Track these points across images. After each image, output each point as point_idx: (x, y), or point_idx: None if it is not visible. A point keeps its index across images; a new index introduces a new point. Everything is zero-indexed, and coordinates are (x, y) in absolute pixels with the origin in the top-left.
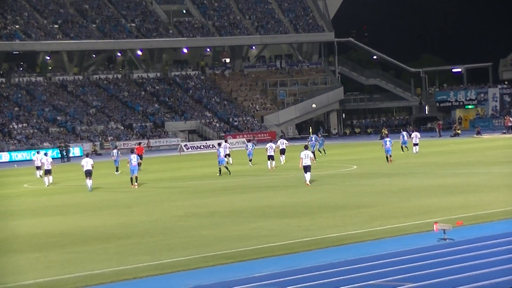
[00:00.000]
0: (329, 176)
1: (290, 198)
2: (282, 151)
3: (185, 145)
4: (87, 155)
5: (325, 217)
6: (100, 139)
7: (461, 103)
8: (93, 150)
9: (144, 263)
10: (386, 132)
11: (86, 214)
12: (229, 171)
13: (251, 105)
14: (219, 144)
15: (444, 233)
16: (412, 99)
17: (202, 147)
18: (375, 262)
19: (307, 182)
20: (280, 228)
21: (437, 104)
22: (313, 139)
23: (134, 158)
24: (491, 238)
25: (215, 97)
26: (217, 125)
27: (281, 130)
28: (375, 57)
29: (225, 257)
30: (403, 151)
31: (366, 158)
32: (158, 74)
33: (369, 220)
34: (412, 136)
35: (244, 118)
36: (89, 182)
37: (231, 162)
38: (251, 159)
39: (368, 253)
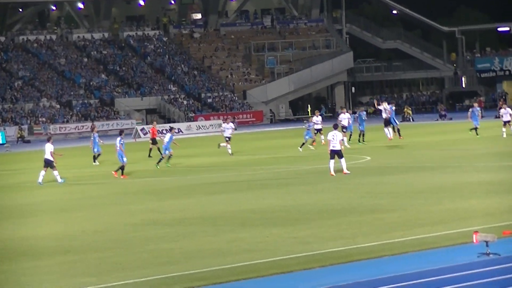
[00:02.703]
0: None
1: (282, 200)
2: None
3: (142, 129)
4: (48, 140)
5: (328, 225)
6: (29, 122)
7: (509, 73)
8: (19, 136)
9: (87, 287)
10: (410, 112)
11: (9, 222)
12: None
13: (229, 76)
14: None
15: (487, 246)
16: (444, 68)
17: (164, 131)
18: (395, 285)
19: (344, 170)
20: (268, 241)
21: (478, 75)
22: (364, 115)
23: (118, 140)
24: None
25: (182, 66)
26: (185, 102)
27: (270, 110)
28: (395, 11)
29: (195, 279)
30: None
31: (383, 146)
32: (106, 35)
33: (386, 229)
34: (501, 113)
35: (221, 94)
36: (42, 173)
37: (230, 153)
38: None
39: (385, 273)
